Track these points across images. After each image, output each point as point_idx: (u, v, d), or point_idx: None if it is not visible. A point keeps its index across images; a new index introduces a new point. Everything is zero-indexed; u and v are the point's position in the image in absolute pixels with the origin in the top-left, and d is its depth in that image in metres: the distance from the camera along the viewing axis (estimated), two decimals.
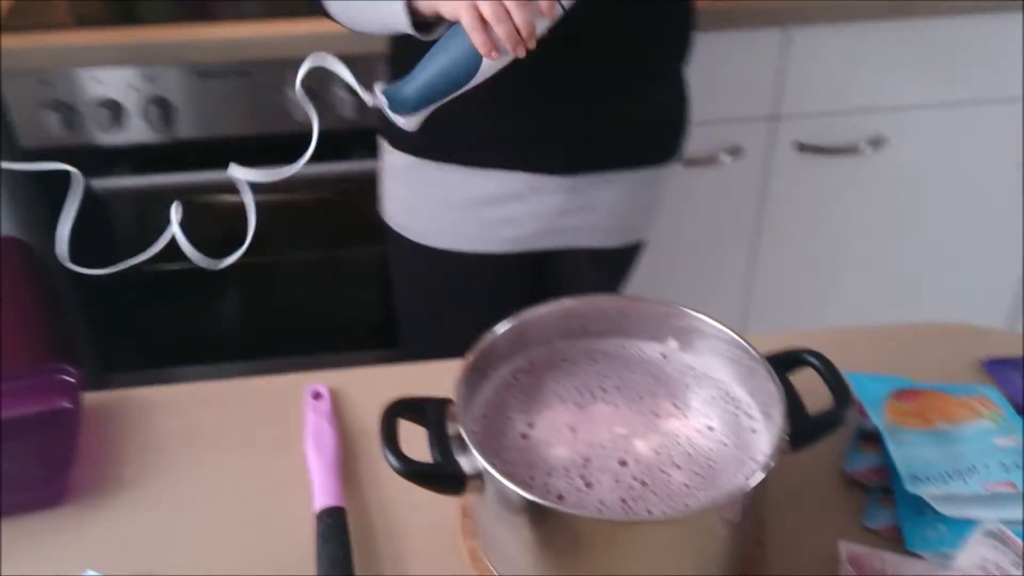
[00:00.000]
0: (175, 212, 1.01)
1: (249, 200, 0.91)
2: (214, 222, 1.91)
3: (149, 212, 1.83)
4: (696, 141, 1.60)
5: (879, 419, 0.82)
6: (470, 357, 0.77)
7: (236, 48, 1.54)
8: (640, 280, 1.51)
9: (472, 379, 0.78)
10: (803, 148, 1.74)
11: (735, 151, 1.73)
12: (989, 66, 1.71)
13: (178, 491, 0.84)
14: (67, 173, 0.93)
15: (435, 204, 1.25)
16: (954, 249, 1.94)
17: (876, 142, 1.75)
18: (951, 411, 0.82)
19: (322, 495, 0.80)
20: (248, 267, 1.87)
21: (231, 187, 1.91)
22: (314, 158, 1.74)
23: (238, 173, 0.90)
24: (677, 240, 1.81)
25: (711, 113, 1.67)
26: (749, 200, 1.81)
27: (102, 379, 1.86)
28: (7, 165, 1.04)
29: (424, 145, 1.23)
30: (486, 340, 0.79)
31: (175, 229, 0.92)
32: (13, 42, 1.49)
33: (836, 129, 1.74)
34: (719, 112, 1.69)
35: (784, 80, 1.68)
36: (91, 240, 1.70)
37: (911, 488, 0.75)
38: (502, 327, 0.81)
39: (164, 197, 1.77)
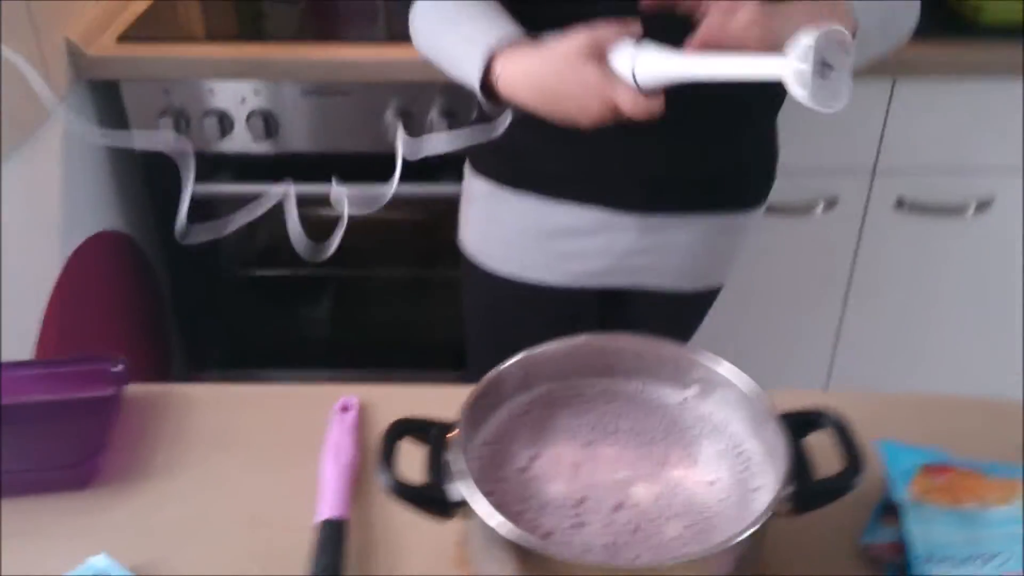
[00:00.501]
0: (289, 191, 1.08)
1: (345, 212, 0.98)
2: (312, 233, 1.98)
3: (255, 221, 1.90)
4: (791, 189, 1.57)
5: (903, 492, 0.78)
6: (480, 384, 0.78)
7: (343, 68, 1.59)
8: (722, 325, 1.49)
9: (480, 406, 0.78)
10: (902, 204, 1.68)
11: (831, 202, 1.69)
12: None
13: (199, 486, 0.87)
14: (174, 169, 1.03)
15: (508, 231, 1.27)
16: None
17: (982, 204, 1.67)
18: (983, 492, 0.77)
19: (327, 505, 0.82)
20: (340, 279, 1.93)
21: (326, 200, 1.98)
22: (406, 178, 1.79)
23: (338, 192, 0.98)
24: (764, 288, 1.78)
25: (809, 161, 1.64)
26: (842, 254, 1.76)
27: (189, 376, 1.94)
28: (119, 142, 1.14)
29: (503, 172, 1.24)
30: (499, 369, 0.79)
31: (290, 208, 1.01)
32: (138, 50, 1.59)
33: (937, 188, 1.68)
34: (817, 161, 1.65)
35: (887, 133, 1.63)
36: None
37: (922, 568, 0.72)
38: (518, 357, 0.81)
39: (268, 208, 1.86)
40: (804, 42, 0.78)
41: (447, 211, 1.59)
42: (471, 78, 0.96)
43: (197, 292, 1.88)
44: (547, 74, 0.91)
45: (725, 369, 0.80)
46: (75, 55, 1.54)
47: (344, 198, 1.06)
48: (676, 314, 1.38)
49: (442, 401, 0.91)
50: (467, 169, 1.30)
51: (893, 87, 1.59)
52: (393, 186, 1.01)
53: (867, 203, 1.70)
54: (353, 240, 1.91)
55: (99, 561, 0.76)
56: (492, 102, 0.99)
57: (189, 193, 0.97)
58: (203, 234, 1.08)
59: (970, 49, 1.55)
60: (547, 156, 1.20)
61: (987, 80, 1.57)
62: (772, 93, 1.20)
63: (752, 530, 0.66)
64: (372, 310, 1.99)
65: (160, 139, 1.04)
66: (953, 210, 1.68)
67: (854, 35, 0.98)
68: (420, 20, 1.07)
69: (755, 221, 1.30)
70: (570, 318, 1.34)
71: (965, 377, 1.90)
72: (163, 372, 1.88)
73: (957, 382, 1.89)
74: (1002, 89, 1.58)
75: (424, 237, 1.89)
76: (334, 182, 1.12)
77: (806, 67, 0.78)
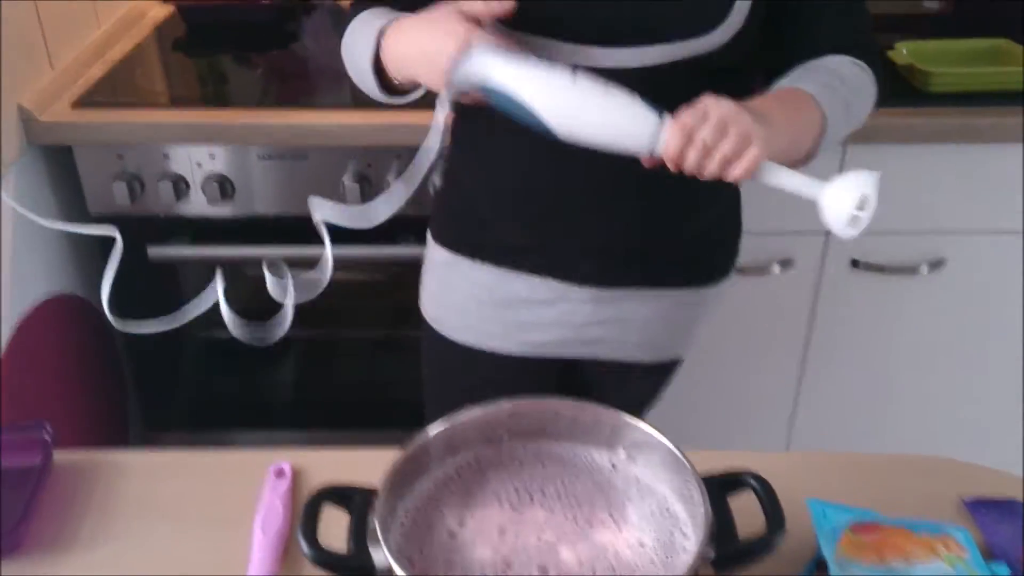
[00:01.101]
0: (219, 279, 1.06)
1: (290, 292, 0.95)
2: (260, 296, 1.98)
3: (207, 281, 1.91)
4: (747, 251, 1.58)
5: (830, 551, 0.78)
6: (405, 450, 0.77)
7: (301, 133, 1.60)
8: (681, 387, 1.48)
9: (405, 472, 0.77)
10: (856, 265, 1.70)
11: (786, 263, 1.70)
12: None
13: (125, 557, 0.85)
14: (128, 232, 1.00)
15: (464, 300, 1.26)
16: (1009, 382, 1.84)
17: (934, 264, 1.69)
18: (908, 549, 0.77)
19: (255, 574, 0.80)
20: (304, 340, 1.92)
21: (290, 263, 1.97)
22: (368, 240, 1.78)
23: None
24: (722, 350, 1.77)
25: (764, 224, 1.65)
26: (799, 313, 1.77)
27: (147, 438, 1.92)
28: (50, 224, 1.12)
29: (461, 242, 1.25)
30: (425, 434, 0.79)
31: (220, 294, 0.98)
32: (91, 116, 1.60)
33: (890, 249, 1.69)
34: (772, 224, 1.66)
35: None
36: (153, 304, 1.80)
37: None
38: (443, 423, 0.80)
39: (232, 270, 1.86)
40: (866, 192, 0.81)
41: (408, 272, 1.60)
42: (367, 62, 1.02)
43: (156, 354, 1.86)
44: (414, 24, 0.97)
45: (647, 431, 0.79)
46: (28, 121, 1.55)
47: (288, 286, 1.02)
48: (636, 385, 1.36)
49: (377, 466, 0.90)
50: (428, 237, 1.31)
51: (845, 152, 1.61)
52: (327, 268, 0.97)
53: (822, 264, 1.71)
54: (316, 301, 1.91)
55: None
56: (386, 86, 1.04)
57: (110, 279, 0.95)
58: (149, 326, 1.07)
59: (919, 117, 1.58)
60: (504, 227, 1.20)
61: (936, 145, 1.60)
62: None
63: None
64: (337, 370, 1.98)
65: (100, 226, 1.02)
66: (906, 270, 1.70)
67: (823, 126, 0.99)
68: (346, 35, 1.11)
69: (717, 296, 1.28)
70: (527, 387, 1.33)
71: (923, 435, 1.90)
72: (120, 435, 1.86)
73: (916, 440, 1.89)
74: (951, 153, 1.61)
75: (386, 298, 1.89)
76: (267, 273, 1.08)
77: (863, 215, 0.81)
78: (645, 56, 1.01)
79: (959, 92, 1.61)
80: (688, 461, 0.75)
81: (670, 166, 0.87)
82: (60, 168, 1.65)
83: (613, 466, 0.82)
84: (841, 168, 1.61)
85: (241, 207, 1.67)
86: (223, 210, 1.66)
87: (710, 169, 0.85)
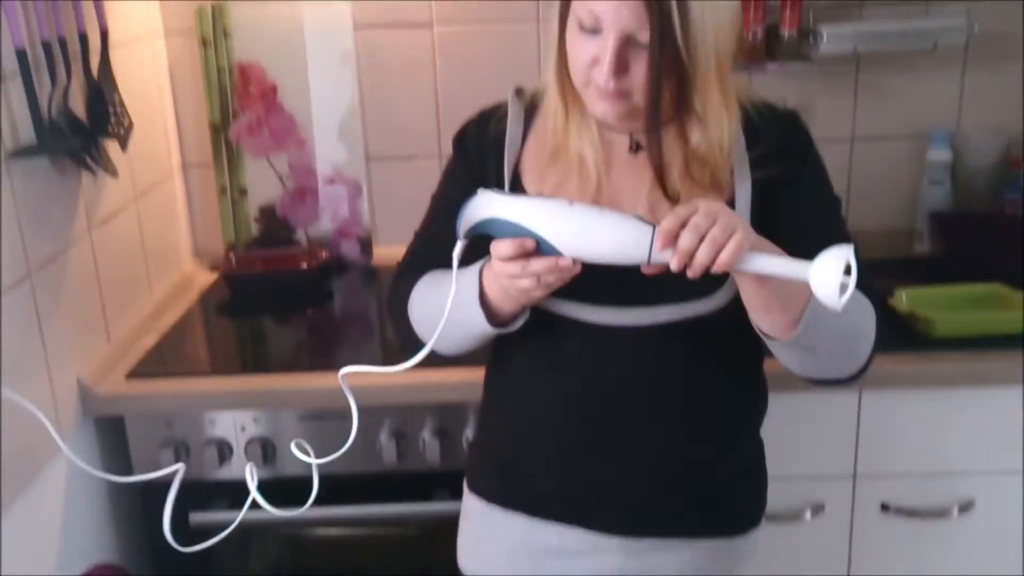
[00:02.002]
0: (250, 472, 1.09)
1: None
2: (308, 555, 1.97)
3: (250, 546, 1.90)
4: (777, 497, 1.60)
5: None
6: None
7: (336, 395, 1.66)
8: None
9: None
10: (887, 508, 1.71)
11: (818, 509, 1.71)
12: None
13: None
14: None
15: (499, 550, 1.29)
16: None
17: (964, 505, 1.70)
18: None
19: None
20: None
21: (326, 522, 1.97)
22: (401, 497, 1.79)
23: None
24: None
25: (792, 469, 1.68)
26: (836, 564, 1.76)
27: None
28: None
29: (495, 491, 1.28)
30: None
31: (252, 486, 1.01)
32: (143, 387, 1.67)
33: (919, 491, 1.71)
34: (800, 468, 1.69)
35: (862, 441, 1.69)
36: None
37: None
38: None
39: (264, 531, 1.86)
40: (849, 259, 0.91)
41: (444, 528, 1.61)
42: (472, 301, 1.12)
43: None
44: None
45: None
46: (84, 393, 1.62)
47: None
48: None
49: None
50: (464, 487, 1.35)
51: (860, 399, 1.66)
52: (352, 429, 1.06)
53: (852, 509, 1.72)
54: (352, 561, 1.90)
55: None
56: (493, 319, 1.14)
57: (170, 509, 1.01)
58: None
59: (926, 362, 1.64)
60: (534, 477, 1.25)
61: (947, 390, 1.65)
62: (753, 407, 1.27)
63: None
64: None
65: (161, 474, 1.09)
66: (937, 512, 1.70)
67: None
68: (414, 291, 1.25)
69: (747, 547, 1.30)
70: None
71: None
72: None
73: None
74: (963, 397, 1.65)
75: (420, 554, 1.88)
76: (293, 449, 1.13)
77: (849, 282, 0.92)
78: (655, 315, 1.12)
79: (962, 336, 1.67)
80: None
81: (666, 249, 0.96)
82: (110, 437, 1.70)
83: None
84: (859, 412, 1.67)
85: (282, 469, 1.70)
86: (264, 472, 1.70)
87: (702, 253, 0.94)
